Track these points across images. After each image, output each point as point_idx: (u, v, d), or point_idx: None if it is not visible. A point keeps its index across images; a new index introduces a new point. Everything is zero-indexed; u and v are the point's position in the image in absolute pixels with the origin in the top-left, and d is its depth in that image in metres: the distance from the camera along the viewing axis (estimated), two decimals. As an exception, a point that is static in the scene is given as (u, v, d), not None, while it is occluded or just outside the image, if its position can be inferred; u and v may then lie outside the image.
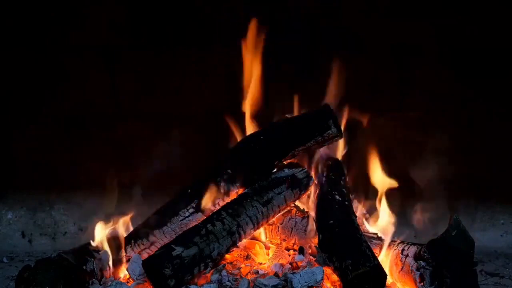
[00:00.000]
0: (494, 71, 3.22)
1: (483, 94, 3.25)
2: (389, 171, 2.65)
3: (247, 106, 2.62)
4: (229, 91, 2.77)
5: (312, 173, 2.56)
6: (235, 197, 2.42)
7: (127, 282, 2.28)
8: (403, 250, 2.29)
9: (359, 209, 2.65)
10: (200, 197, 2.44)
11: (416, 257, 2.21)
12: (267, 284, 2.11)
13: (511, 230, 3.34)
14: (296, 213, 2.49)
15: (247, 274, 2.25)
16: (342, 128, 2.54)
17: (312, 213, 2.47)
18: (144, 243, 2.42)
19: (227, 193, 2.45)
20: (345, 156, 2.73)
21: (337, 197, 2.44)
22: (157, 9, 3.22)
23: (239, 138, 2.64)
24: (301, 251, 2.39)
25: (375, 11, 3.19)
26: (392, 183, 2.60)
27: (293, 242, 2.46)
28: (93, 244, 2.41)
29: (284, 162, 2.51)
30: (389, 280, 2.23)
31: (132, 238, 2.45)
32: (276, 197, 2.38)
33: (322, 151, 2.65)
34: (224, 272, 2.20)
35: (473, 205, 3.34)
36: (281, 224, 2.48)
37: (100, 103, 3.31)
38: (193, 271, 2.16)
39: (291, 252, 2.42)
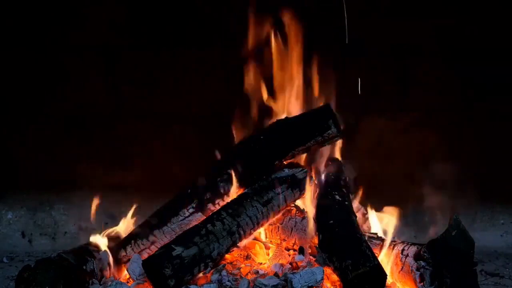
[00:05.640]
0: (494, 71, 3.23)
1: (483, 93, 3.25)
2: (389, 171, 2.65)
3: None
4: (229, 91, 2.77)
5: (312, 173, 2.56)
6: (235, 197, 2.42)
7: (127, 282, 2.28)
8: (403, 250, 2.29)
9: (359, 209, 2.65)
10: (200, 197, 2.44)
11: (416, 257, 2.20)
12: (267, 284, 2.10)
13: (511, 230, 3.34)
14: (296, 213, 2.49)
15: (247, 274, 2.25)
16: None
17: (312, 213, 2.47)
18: (144, 243, 2.42)
19: (227, 193, 2.45)
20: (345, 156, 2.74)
21: (337, 197, 2.43)
22: (157, 9, 3.23)
23: (239, 138, 2.64)
24: (301, 251, 2.39)
25: (375, 11, 3.19)
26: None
27: (293, 242, 2.46)
28: (93, 244, 2.41)
29: (284, 162, 2.50)
30: (389, 280, 2.23)
31: (132, 238, 2.44)
32: (276, 197, 2.38)
33: (322, 151, 2.64)
34: (224, 272, 2.20)
35: (473, 205, 3.34)
36: (281, 224, 2.47)
37: (100, 103, 3.31)
38: (193, 271, 2.16)
39: (291, 252, 2.42)
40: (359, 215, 2.56)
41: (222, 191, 2.45)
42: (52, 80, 3.28)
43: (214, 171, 2.49)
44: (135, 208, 2.59)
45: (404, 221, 2.95)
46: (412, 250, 2.25)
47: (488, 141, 3.27)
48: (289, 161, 2.51)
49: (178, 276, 2.11)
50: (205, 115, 3.26)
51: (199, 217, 2.41)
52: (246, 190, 2.41)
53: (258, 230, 2.43)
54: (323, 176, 2.60)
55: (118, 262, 2.40)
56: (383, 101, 3.28)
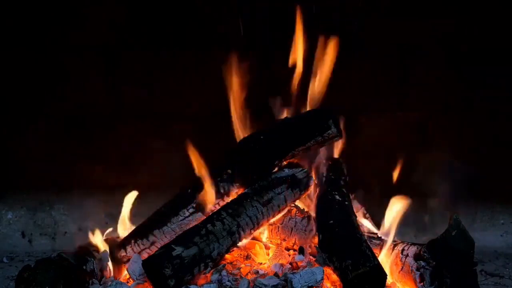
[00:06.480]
0: (494, 71, 3.23)
1: (483, 93, 3.25)
2: (389, 171, 2.65)
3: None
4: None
5: (312, 173, 2.56)
6: (235, 197, 2.42)
7: (127, 282, 2.28)
8: (403, 250, 2.29)
9: (359, 209, 2.65)
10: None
11: (416, 257, 2.21)
12: (267, 284, 2.11)
13: (511, 230, 3.34)
14: (296, 213, 2.49)
15: (247, 274, 2.25)
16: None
17: (312, 213, 2.47)
18: (144, 243, 2.42)
19: (227, 193, 2.46)
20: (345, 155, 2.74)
21: (337, 197, 2.43)
22: (157, 9, 3.22)
23: (239, 138, 2.64)
24: (301, 251, 2.39)
25: (376, 11, 3.19)
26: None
27: (293, 242, 2.46)
28: (93, 244, 2.41)
29: (284, 162, 2.51)
30: (389, 280, 2.23)
31: (132, 238, 2.45)
32: (276, 197, 2.38)
33: (322, 151, 2.64)
34: (224, 272, 2.20)
35: (473, 205, 3.34)
36: (281, 224, 2.48)
37: (100, 103, 3.31)
38: (193, 271, 2.16)
39: (291, 252, 2.42)
40: (359, 215, 2.56)
41: (222, 191, 2.45)
42: (52, 80, 3.28)
43: (214, 171, 2.49)
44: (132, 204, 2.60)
45: (404, 221, 2.94)
46: (412, 250, 2.25)
47: (488, 141, 3.27)
48: (289, 161, 2.51)
49: (178, 276, 2.11)
50: (205, 115, 3.26)
51: (199, 217, 2.41)
52: (246, 190, 2.41)
53: (258, 230, 2.43)
54: (323, 176, 2.60)
55: (118, 262, 2.40)
56: (383, 101, 3.28)
